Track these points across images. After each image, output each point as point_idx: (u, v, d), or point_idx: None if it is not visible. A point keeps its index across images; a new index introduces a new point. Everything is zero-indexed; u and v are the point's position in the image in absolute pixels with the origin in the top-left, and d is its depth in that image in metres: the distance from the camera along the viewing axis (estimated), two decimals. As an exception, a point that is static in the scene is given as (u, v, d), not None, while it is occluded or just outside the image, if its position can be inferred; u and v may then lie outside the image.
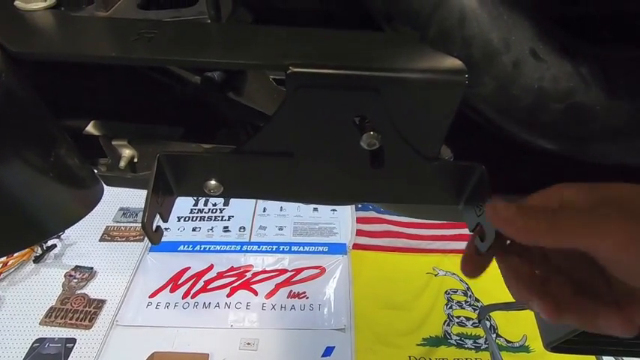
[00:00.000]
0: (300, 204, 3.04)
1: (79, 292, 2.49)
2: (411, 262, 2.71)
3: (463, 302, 2.52)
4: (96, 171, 0.56)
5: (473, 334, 2.37)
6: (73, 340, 2.25)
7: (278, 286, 2.55)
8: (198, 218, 2.99)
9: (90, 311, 2.39)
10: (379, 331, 2.33)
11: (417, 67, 0.38)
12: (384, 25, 0.43)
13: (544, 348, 0.69)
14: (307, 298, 2.50)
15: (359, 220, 2.94)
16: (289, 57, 0.37)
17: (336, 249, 2.77)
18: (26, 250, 2.60)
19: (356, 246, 2.78)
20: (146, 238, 2.76)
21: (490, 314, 2.29)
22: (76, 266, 2.61)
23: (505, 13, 0.38)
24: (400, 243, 2.82)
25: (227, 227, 2.93)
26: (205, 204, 3.09)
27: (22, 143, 0.43)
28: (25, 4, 0.44)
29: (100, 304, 2.43)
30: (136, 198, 3.00)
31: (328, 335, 2.32)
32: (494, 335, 2.31)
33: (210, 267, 2.65)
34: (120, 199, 3.01)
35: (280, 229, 2.92)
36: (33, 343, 2.23)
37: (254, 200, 3.09)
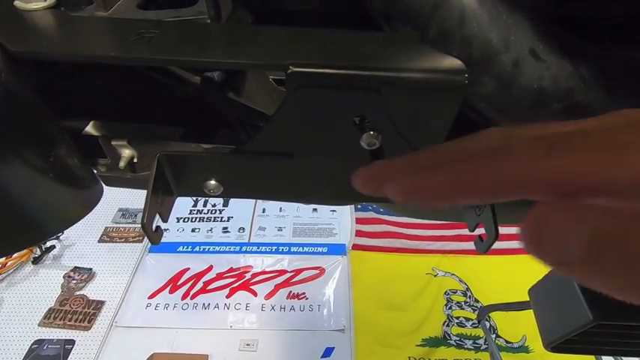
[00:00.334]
0: (299, 205, 3.04)
1: (78, 293, 2.48)
2: (411, 263, 2.71)
3: (463, 303, 2.52)
4: (95, 171, 0.56)
5: (472, 335, 2.36)
6: (72, 342, 2.24)
7: (277, 287, 2.55)
8: (198, 219, 2.99)
9: (89, 312, 2.38)
10: (379, 332, 2.33)
11: (417, 67, 0.38)
12: (383, 26, 0.43)
13: (544, 348, 0.69)
14: (307, 298, 2.49)
15: (358, 221, 2.94)
16: (289, 57, 0.37)
17: (336, 250, 2.77)
18: (25, 251, 2.59)
19: (355, 247, 2.78)
20: (145, 239, 2.77)
21: (490, 315, 2.29)
22: (75, 267, 2.60)
23: (505, 12, 0.38)
24: (399, 244, 2.82)
25: (226, 228, 2.93)
26: (205, 205, 3.09)
27: (22, 143, 0.43)
28: (24, 4, 0.44)
29: (99, 305, 2.42)
30: (135, 199, 3.00)
31: (328, 336, 2.32)
32: (493, 336, 2.31)
33: (210, 268, 2.64)
34: (119, 200, 3.01)
35: (280, 229, 2.92)
36: (32, 345, 2.22)
37: (253, 201, 3.09)
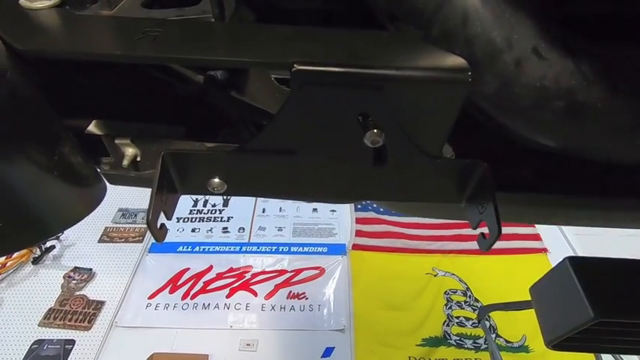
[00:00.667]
0: (299, 204, 3.04)
1: (78, 293, 2.48)
2: (411, 263, 2.72)
3: (462, 302, 2.52)
4: (99, 170, 0.56)
5: (472, 335, 2.37)
6: (72, 342, 2.24)
7: (277, 287, 2.56)
8: (198, 219, 2.99)
9: (89, 312, 2.38)
10: (379, 332, 2.33)
11: (420, 66, 0.38)
12: (387, 25, 0.43)
13: (545, 346, 0.69)
14: (307, 298, 2.50)
15: (358, 221, 2.94)
16: (294, 55, 0.37)
17: (336, 249, 2.78)
18: (25, 251, 2.59)
19: (355, 246, 2.79)
20: (145, 239, 2.77)
21: (489, 314, 2.30)
22: (75, 267, 2.60)
23: (507, 11, 0.38)
24: (399, 243, 2.82)
25: (226, 228, 2.93)
26: (205, 205, 3.09)
27: (27, 141, 0.43)
28: (30, 3, 0.44)
29: (99, 305, 2.42)
30: (135, 199, 3.00)
31: (328, 336, 2.32)
32: (493, 335, 2.32)
33: (210, 268, 2.65)
34: (119, 200, 3.01)
35: (280, 229, 2.93)
36: (32, 345, 2.22)
37: (253, 201, 3.09)
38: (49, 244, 2.67)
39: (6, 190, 0.44)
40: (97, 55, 0.40)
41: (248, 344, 2.27)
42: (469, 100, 0.42)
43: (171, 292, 2.51)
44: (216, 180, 0.47)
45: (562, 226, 2.87)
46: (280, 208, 3.07)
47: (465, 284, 2.60)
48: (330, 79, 0.37)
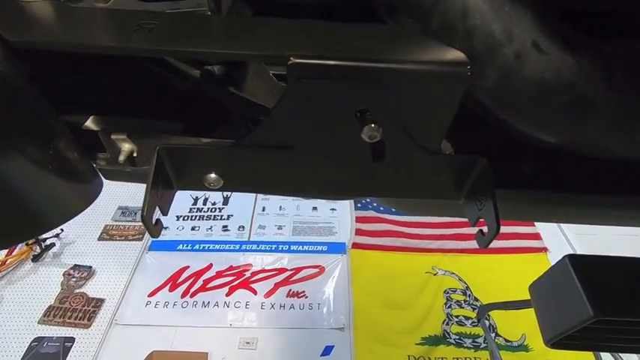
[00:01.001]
0: (299, 203, 3.04)
1: (77, 291, 2.49)
2: (410, 262, 2.71)
3: (462, 301, 2.52)
4: (95, 165, 0.56)
5: (472, 333, 2.37)
6: (72, 339, 2.25)
7: (277, 285, 2.56)
8: (197, 217, 2.99)
9: (89, 310, 2.38)
10: (378, 330, 2.33)
11: (419, 59, 0.37)
12: (386, 18, 0.43)
13: (544, 344, 0.69)
14: (306, 297, 2.50)
15: (358, 220, 2.94)
16: (290, 48, 0.37)
17: (336, 248, 2.78)
18: (24, 248, 2.59)
19: (355, 245, 2.78)
20: (145, 237, 2.77)
21: (489, 313, 2.29)
22: (75, 265, 2.60)
23: (507, 4, 0.38)
24: (399, 242, 2.82)
25: (226, 226, 2.93)
26: (204, 203, 3.09)
27: (21, 135, 0.43)
28: (24, -5, 0.44)
29: (98, 303, 2.42)
30: (135, 197, 3.00)
31: (327, 334, 2.32)
32: (493, 334, 2.31)
33: (210, 266, 2.65)
34: (119, 198, 3.01)
35: (279, 228, 2.93)
36: (31, 342, 2.22)
37: (253, 199, 3.09)
38: (48, 241, 2.67)
39: (1, 183, 0.44)
40: (90, 46, 0.39)
41: (247, 342, 2.27)
42: (469, 94, 0.41)
43: (171, 290, 2.51)
44: (213, 175, 0.46)
45: (562, 226, 2.86)
46: (280, 206, 3.06)
47: (465, 283, 2.60)
48: (327, 72, 0.37)
